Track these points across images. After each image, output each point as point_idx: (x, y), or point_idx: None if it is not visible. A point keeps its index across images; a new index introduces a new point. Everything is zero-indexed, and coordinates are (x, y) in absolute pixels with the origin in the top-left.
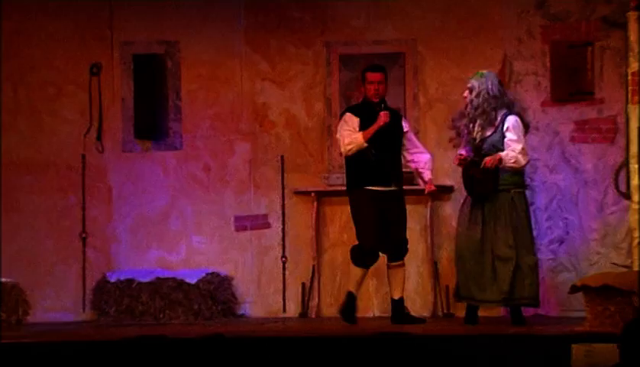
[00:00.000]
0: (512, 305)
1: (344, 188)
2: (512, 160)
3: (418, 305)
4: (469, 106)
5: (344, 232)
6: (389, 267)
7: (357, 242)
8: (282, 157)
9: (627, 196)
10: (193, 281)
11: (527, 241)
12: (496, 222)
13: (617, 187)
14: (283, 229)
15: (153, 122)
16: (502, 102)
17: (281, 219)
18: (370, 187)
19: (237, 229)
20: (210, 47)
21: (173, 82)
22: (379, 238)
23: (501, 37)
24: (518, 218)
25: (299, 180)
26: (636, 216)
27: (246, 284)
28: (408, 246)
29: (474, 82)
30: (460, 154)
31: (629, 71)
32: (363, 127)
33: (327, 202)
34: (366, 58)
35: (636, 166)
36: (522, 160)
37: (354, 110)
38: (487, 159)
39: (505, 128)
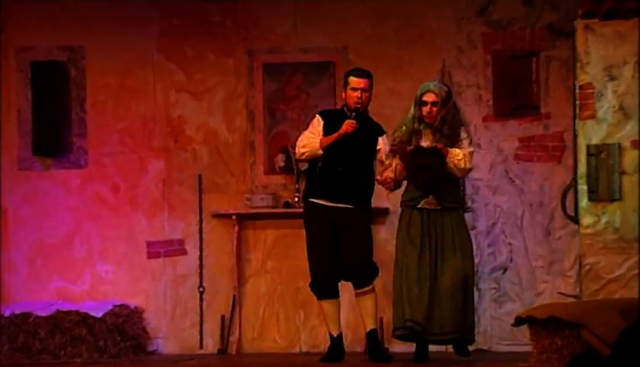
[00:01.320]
0: (457, 337)
1: (269, 210)
2: (459, 158)
3: (349, 340)
4: (439, 123)
5: (268, 259)
6: (356, 295)
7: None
8: (199, 176)
9: (575, 219)
10: (99, 315)
11: (471, 266)
12: (443, 243)
13: (564, 210)
14: (201, 256)
15: (54, 137)
16: (458, 115)
17: (198, 244)
18: (317, 200)
19: (150, 256)
20: (119, 53)
21: (77, 92)
22: (331, 261)
23: (439, 46)
24: (463, 240)
25: (219, 201)
26: (585, 242)
27: (158, 318)
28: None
29: (442, 94)
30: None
31: (577, 83)
32: (327, 132)
33: (249, 226)
34: (293, 67)
35: (585, 187)
36: (468, 164)
37: (325, 114)
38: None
39: (461, 140)
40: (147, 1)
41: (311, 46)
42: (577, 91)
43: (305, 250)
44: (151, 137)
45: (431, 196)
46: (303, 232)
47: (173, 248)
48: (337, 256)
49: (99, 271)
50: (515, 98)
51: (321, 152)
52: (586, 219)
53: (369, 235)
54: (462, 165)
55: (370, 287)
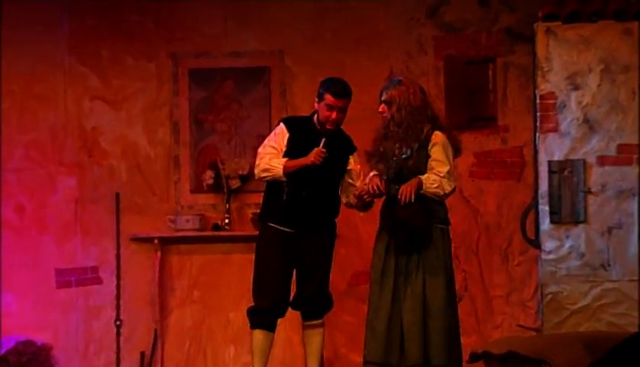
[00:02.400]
0: None
1: (195, 233)
2: (435, 185)
3: None
4: (390, 124)
5: (194, 288)
6: (303, 327)
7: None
8: (117, 194)
9: (536, 244)
10: (0, 353)
11: (452, 293)
12: (418, 268)
13: (524, 233)
14: (118, 285)
15: None
16: (426, 115)
17: (115, 272)
18: (278, 226)
19: (59, 286)
20: (25, 56)
21: None
22: (283, 288)
23: (386, 50)
24: (444, 264)
25: (139, 223)
26: (547, 268)
27: (69, 355)
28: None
29: (392, 93)
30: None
31: (538, 93)
32: (293, 148)
33: (174, 250)
34: (223, 73)
35: (546, 208)
36: (447, 187)
37: (292, 124)
38: (403, 187)
39: (431, 146)
40: None
41: (243, 49)
42: (538, 101)
43: (252, 274)
44: (62, 150)
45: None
46: (234, 258)
47: (86, 277)
48: (289, 283)
49: (1, 303)
50: (469, 108)
51: (284, 178)
52: (547, 244)
53: (329, 263)
54: (441, 192)
55: (321, 320)
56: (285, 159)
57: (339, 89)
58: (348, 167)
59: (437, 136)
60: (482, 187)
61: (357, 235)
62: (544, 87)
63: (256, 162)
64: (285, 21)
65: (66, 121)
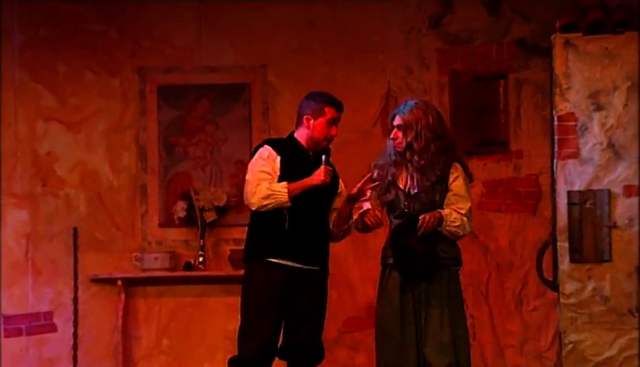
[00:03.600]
0: None
1: (165, 273)
2: (456, 224)
3: None
4: (406, 152)
5: (163, 337)
6: None
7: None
8: (75, 229)
9: (554, 286)
10: None
11: (465, 341)
12: (428, 313)
13: (540, 274)
14: (75, 333)
15: None
16: (446, 143)
17: (72, 318)
18: (279, 260)
19: (7, 335)
20: None
21: None
22: (276, 336)
23: (382, 65)
24: (455, 307)
25: (100, 262)
26: (567, 314)
27: None
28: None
29: (408, 117)
30: (367, 209)
31: (555, 114)
32: (287, 171)
33: (140, 293)
34: (197, 90)
35: (566, 244)
36: (468, 227)
37: (278, 145)
38: (425, 216)
39: (452, 180)
40: (4, 4)
41: (220, 63)
42: (556, 123)
43: (238, 319)
44: (11, 179)
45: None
46: (209, 302)
47: (39, 324)
48: (281, 329)
49: None
50: (477, 131)
51: (289, 204)
52: (567, 286)
53: (325, 306)
54: (461, 232)
55: None
56: (286, 182)
57: (339, 102)
58: (338, 190)
59: (458, 168)
60: (492, 221)
61: (350, 274)
62: (562, 107)
63: (251, 190)
64: (267, 31)
65: (17, 146)
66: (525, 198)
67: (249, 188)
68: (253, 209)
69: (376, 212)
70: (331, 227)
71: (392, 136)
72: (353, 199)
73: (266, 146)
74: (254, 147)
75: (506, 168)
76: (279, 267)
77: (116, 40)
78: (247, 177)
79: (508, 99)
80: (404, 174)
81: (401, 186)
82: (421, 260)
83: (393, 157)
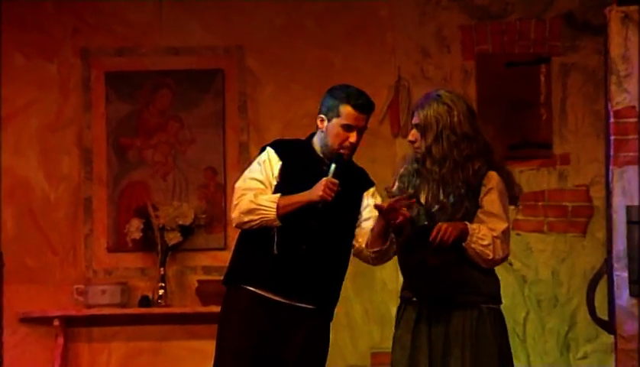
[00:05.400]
0: None
1: (115, 310)
2: (485, 242)
3: None
4: (426, 159)
5: None
6: None
7: None
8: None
9: (610, 326)
10: None
11: None
12: (446, 361)
13: (592, 312)
14: None
15: None
16: (477, 146)
17: None
18: (260, 291)
19: None
20: None
21: None
22: None
23: (391, 46)
24: (489, 355)
25: (32, 296)
26: (627, 362)
27: None
28: None
29: (428, 114)
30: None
31: (611, 108)
32: (289, 181)
33: (83, 336)
34: (156, 79)
35: (625, 274)
36: (499, 251)
37: (283, 148)
38: (443, 225)
39: (484, 193)
40: None
41: (186, 44)
42: (612, 120)
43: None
44: None
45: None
46: (172, 347)
47: None
48: None
49: None
50: (512, 130)
51: (278, 223)
52: (627, 326)
53: (325, 359)
54: (490, 255)
55: None
56: (277, 195)
57: (363, 98)
58: (362, 208)
59: (493, 178)
60: (531, 244)
61: (350, 311)
62: (620, 99)
63: (234, 201)
64: (245, 6)
65: None
66: (573, 215)
67: (233, 200)
68: (234, 225)
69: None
70: (357, 245)
71: (409, 138)
72: (383, 215)
73: (268, 148)
74: (261, 148)
75: (549, 177)
76: (262, 301)
77: (53, 15)
78: (236, 184)
79: (550, 89)
80: (427, 186)
81: (423, 201)
82: (439, 279)
83: (415, 165)
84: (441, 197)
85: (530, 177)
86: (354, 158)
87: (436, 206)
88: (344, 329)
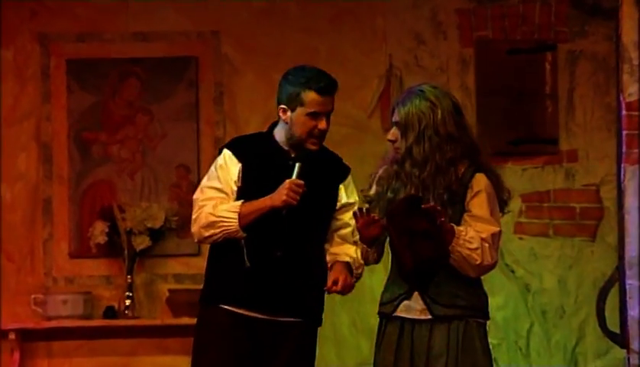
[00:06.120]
0: None
1: (77, 322)
2: (473, 246)
3: None
4: (405, 161)
5: None
6: None
7: None
8: None
9: (621, 340)
10: None
11: None
12: None
13: (603, 324)
14: None
15: None
16: (462, 148)
17: None
18: (236, 309)
19: None
20: None
21: None
22: None
23: (382, 32)
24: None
25: None
26: None
27: None
28: None
29: (409, 112)
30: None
31: (623, 100)
32: (252, 184)
33: (42, 351)
34: (123, 67)
35: (637, 282)
36: (488, 257)
37: (242, 148)
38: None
39: (471, 196)
40: None
41: (156, 29)
42: (624, 112)
43: None
44: None
45: (415, 294)
46: (141, 363)
47: None
48: None
49: None
50: (514, 124)
51: (242, 233)
52: None
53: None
54: (478, 259)
55: None
56: (239, 203)
57: (325, 79)
58: (338, 201)
59: (481, 180)
60: (535, 250)
61: (337, 323)
62: (633, 90)
63: (193, 215)
64: None
65: None
66: (582, 217)
67: (192, 213)
68: (195, 241)
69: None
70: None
71: (389, 137)
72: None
73: (224, 149)
74: (219, 149)
75: (555, 176)
76: (241, 320)
77: None
78: (194, 196)
79: (557, 79)
80: (405, 191)
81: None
82: (435, 244)
83: (395, 167)
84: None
85: (534, 176)
86: (341, 155)
87: None
88: (330, 342)
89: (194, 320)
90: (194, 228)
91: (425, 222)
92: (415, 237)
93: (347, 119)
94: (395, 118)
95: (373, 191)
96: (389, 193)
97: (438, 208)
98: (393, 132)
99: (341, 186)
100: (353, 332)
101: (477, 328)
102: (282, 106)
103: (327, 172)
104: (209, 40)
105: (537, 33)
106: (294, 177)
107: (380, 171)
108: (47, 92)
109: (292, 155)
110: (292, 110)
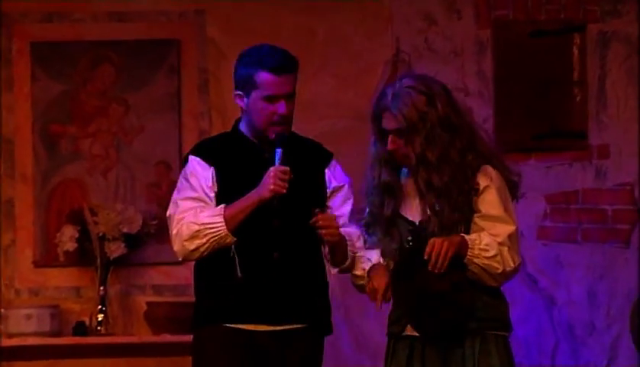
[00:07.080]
0: None
1: (42, 340)
2: (490, 254)
3: None
4: (419, 168)
5: None
6: None
7: None
8: None
9: None
10: None
11: None
12: None
13: (638, 341)
14: None
15: None
16: (465, 137)
17: None
18: (237, 325)
19: None
20: None
21: None
22: None
23: (388, 11)
24: None
25: None
26: None
27: None
28: None
29: (411, 113)
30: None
31: None
32: (230, 187)
33: None
34: (95, 51)
35: None
36: (510, 261)
37: (208, 151)
38: (435, 241)
39: (479, 194)
40: None
41: (133, 8)
42: None
43: None
44: None
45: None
46: None
47: None
48: None
49: None
50: (537, 115)
51: (232, 238)
52: None
53: None
54: (500, 267)
55: None
56: (221, 206)
57: (279, 56)
58: (330, 187)
59: (488, 173)
60: (561, 257)
61: (337, 340)
62: None
63: (172, 231)
64: None
65: None
66: (613, 221)
67: (171, 229)
68: (180, 259)
69: (382, 283)
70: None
71: (389, 147)
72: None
73: (190, 156)
74: (183, 158)
75: (584, 174)
76: (239, 335)
77: None
78: (167, 212)
79: (586, 64)
80: (412, 201)
81: (409, 217)
82: (448, 306)
83: (386, 178)
84: (445, 211)
85: (560, 174)
86: (341, 148)
87: (432, 223)
88: (330, 360)
89: (175, 337)
90: (176, 246)
91: (432, 277)
92: (429, 301)
93: (348, 110)
94: (393, 125)
95: (367, 211)
96: (387, 210)
97: (437, 255)
98: (394, 140)
99: (326, 171)
100: (356, 350)
101: (496, 341)
102: (238, 92)
103: (309, 158)
104: (193, 21)
105: (563, 12)
106: (277, 164)
107: (368, 187)
108: (9, 80)
109: (264, 148)
110: (247, 95)
